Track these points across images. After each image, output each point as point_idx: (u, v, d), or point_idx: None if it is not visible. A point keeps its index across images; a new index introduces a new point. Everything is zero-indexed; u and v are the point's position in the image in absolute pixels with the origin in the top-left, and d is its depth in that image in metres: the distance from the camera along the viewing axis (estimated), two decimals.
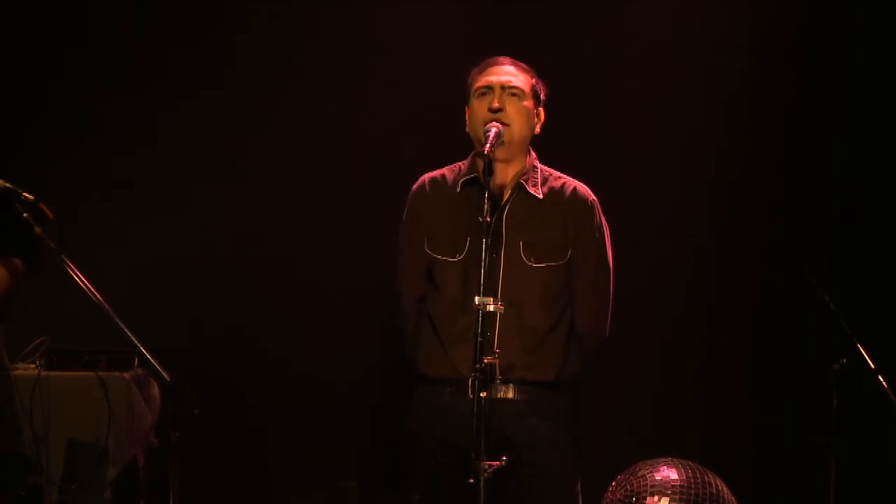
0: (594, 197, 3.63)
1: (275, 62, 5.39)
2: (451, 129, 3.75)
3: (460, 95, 3.69)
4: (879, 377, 4.14)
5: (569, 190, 3.59)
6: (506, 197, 3.53)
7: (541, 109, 3.61)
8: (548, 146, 3.74)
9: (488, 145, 3.38)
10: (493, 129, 3.44)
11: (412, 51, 5.29)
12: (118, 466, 4.38)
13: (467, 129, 3.60)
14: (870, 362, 4.16)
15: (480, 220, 3.29)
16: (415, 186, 3.66)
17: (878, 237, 5.27)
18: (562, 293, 3.55)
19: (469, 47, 3.98)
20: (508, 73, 3.56)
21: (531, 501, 3.48)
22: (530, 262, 3.49)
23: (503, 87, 3.52)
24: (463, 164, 3.64)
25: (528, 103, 3.55)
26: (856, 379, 4.24)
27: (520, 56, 3.72)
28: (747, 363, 5.35)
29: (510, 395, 3.48)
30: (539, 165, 3.62)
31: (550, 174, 3.63)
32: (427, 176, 3.66)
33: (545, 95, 3.63)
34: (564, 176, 3.64)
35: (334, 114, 5.36)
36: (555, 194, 3.57)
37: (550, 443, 3.50)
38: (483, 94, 3.54)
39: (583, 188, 3.63)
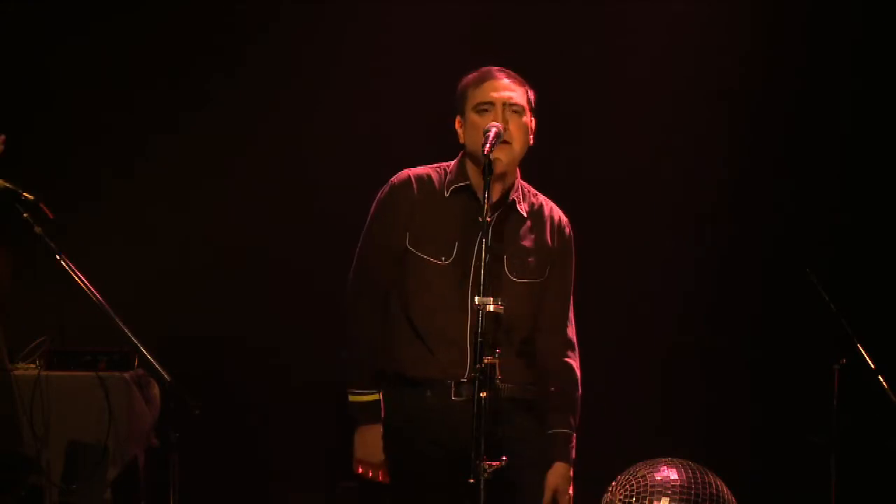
0: (567, 219, 3.63)
1: (277, 64, 5.39)
2: (453, 130, 3.75)
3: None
4: (879, 377, 4.15)
5: (547, 211, 3.61)
6: (496, 210, 3.53)
7: (534, 119, 3.60)
8: (548, 146, 3.74)
9: (488, 145, 3.37)
10: (493, 130, 3.42)
11: (414, 51, 5.29)
12: (118, 466, 4.38)
13: (462, 141, 3.57)
14: (870, 362, 4.17)
15: (480, 220, 3.29)
16: (397, 179, 3.61)
17: (879, 237, 5.27)
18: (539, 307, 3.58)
19: (469, 48, 3.98)
20: (508, 89, 3.52)
21: (525, 491, 3.48)
22: (513, 276, 3.50)
23: (505, 105, 3.51)
24: (448, 167, 3.61)
25: (528, 118, 3.54)
26: (856, 379, 4.24)
27: (520, 56, 3.72)
28: (747, 363, 5.35)
29: (501, 394, 3.49)
30: (521, 182, 3.62)
31: (529, 191, 3.62)
32: (412, 172, 3.62)
33: (535, 102, 3.62)
34: (540, 194, 3.64)
35: (335, 115, 5.36)
36: (535, 213, 3.59)
37: (538, 433, 3.51)
38: (484, 110, 3.51)
39: (558, 211, 3.63)
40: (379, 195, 3.61)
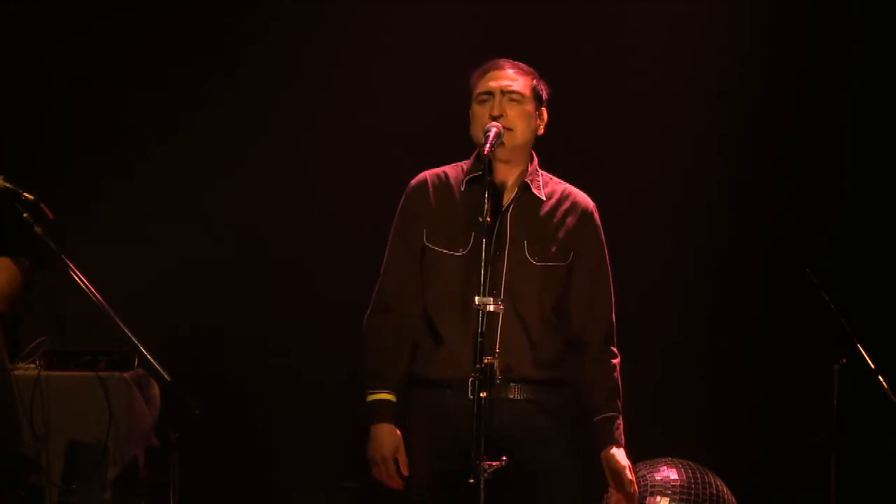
0: (594, 204, 3.63)
1: (277, 64, 5.40)
2: (456, 131, 3.75)
3: (464, 96, 3.69)
4: (879, 377, 4.15)
5: (570, 196, 3.59)
6: (510, 196, 3.53)
7: (543, 110, 3.61)
8: (548, 146, 3.74)
9: (488, 145, 3.39)
10: (493, 129, 3.44)
11: (414, 51, 5.29)
12: (118, 466, 4.38)
13: (471, 133, 3.60)
14: (870, 362, 4.17)
15: (480, 220, 3.29)
16: (415, 181, 3.64)
17: (879, 237, 5.28)
18: (564, 294, 3.54)
19: (469, 48, 3.98)
20: (508, 78, 3.55)
21: (544, 501, 3.48)
22: (534, 259, 3.49)
23: (503, 93, 3.52)
24: (466, 164, 3.64)
25: (529, 107, 3.54)
26: (856, 379, 4.24)
27: (520, 56, 3.72)
28: (747, 364, 5.35)
29: (514, 395, 3.47)
30: (541, 171, 3.62)
31: (551, 179, 3.63)
32: (429, 172, 3.66)
33: (547, 95, 3.63)
34: (564, 182, 3.65)
35: (335, 115, 5.36)
36: (557, 199, 3.58)
37: (558, 441, 3.49)
38: (484, 100, 3.53)
39: (583, 196, 3.62)
40: (400, 200, 3.63)
